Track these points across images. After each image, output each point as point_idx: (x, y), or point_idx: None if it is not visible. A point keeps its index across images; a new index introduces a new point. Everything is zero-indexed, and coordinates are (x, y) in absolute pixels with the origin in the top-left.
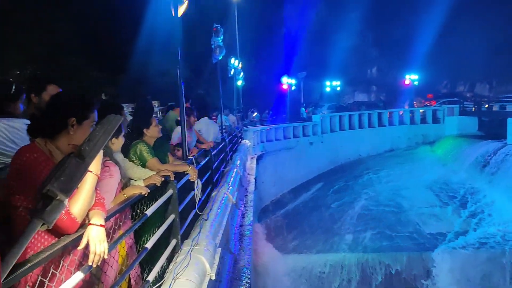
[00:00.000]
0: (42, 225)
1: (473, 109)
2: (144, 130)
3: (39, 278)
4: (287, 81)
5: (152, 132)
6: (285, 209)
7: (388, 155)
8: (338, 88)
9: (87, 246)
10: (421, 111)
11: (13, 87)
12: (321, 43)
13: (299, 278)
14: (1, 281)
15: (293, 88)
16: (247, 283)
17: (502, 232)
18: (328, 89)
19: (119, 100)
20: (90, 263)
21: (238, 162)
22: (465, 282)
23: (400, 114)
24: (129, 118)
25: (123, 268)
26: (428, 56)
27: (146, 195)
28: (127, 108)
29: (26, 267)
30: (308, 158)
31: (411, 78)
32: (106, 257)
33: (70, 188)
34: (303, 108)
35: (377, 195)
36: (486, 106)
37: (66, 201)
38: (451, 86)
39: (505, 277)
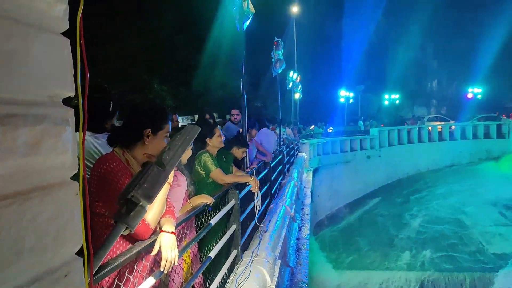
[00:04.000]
0: (125, 229)
1: None
2: (207, 140)
3: (115, 281)
4: (344, 94)
5: (215, 142)
6: (341, 224)
7: (449, 170)
8: (397, 102)
9: (158, 253)
10: (484, 125)
11: (111, 104)
12: (380, 56)
13: None
14: (92, 278)
15: (350, 101)
16: None
17: None
18: (386, 102)
19: (179, 112)
20: (161, 269)
21: (295, 174)
22: None
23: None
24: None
25: (188, 276)
26: (493, 69)
27: (211, 204)
28: (186, 120)
29: (107, 269)
30: (365, 172)
31: (474, 92)
32: (176, 263)
33: (152, 194)
34: (361, 121)
35: (437, 211)
36: None
37: (147, 207)
38: None
39: None
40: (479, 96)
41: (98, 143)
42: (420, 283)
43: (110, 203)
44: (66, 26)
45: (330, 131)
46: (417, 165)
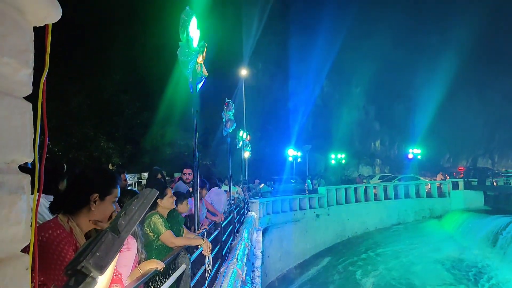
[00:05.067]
0: None
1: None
2: (158, 201)
3: None
4: (293, 153)
5: (166, 203)
6: (292, 286)
7: (396, 228)
8: (343, 161)
9: None
10: (427, 185)
11: (64, 164)
12: (326, 116)
13: None
14: None
15: (299, 160)
16: None
17: None
18: (333, 161)
19: (126, 169)
20: None
21: (246, 235)
22: None
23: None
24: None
25: None
26: (430, 130)
27: (161, 270)
28: (133, 178)
29: None
30: (315, 231)
31: (414, 152)
32: None
33: (105, 264)
34: (309, 180)
35: (387, 271)
36: (490, 180)
37: (98, 279)
38: (454, 160)
39: None
40: (419, 157)
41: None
42: None
43: (52, 275)
44: (29, 90)
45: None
46: (365, 223)
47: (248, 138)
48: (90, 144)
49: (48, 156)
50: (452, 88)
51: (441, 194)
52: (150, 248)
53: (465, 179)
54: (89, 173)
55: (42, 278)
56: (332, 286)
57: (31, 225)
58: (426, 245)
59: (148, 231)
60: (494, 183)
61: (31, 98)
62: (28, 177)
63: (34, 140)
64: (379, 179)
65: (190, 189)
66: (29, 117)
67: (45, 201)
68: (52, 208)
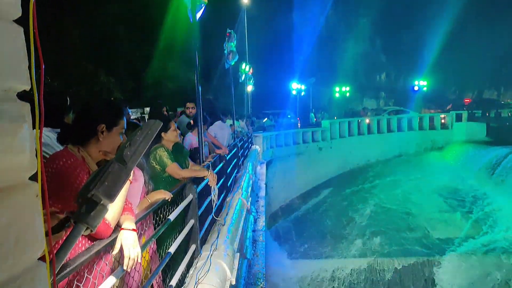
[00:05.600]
0: (85, 230)
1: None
2: (162, 134)
3: (75, 282)
4: (296, 87)
5: (170, 137)
6: (294, 215)
7: (397, 160)
8: (347, 94)
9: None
10: (429, 116)
11: (68, 98)
12: (331, 48)
13: (308, 282)
14: (55, 280)
15: (302, 93)
16: (262, 287)
17: (508, 238)
18: (337, 94)
19: (129, 104)
20: (124, 267)
21: (250, 167)
22: (466, 282)
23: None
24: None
25: (148, 272)
26: (437, 63)
27: (169, 200)
28: (136, 113)
29: (67, 270)
30: (317, 163)
31: (419, 85)
32: (140, 261)
33: (114, 193)
34: (312, 114)
35: (386, 200)
36: (494, 112)
37: (108, 206)
38: (460, 93)
39: (509, 285)
40: (424, 89)
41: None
42: (370, 269)
43: (67, 202)
44: (18, 12)
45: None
46: (366, 155)
47: (251, 71)
48: (90, 79)
49: (48, 90)
50: (461, 19)
51: (444, 126)
52: (157, 181)
53: (469, 111)
54: (96, 105)
55: (60, 206)
56: (333, 214)
57: (36, 155)
58: (426, 176)
59: (154, 164)
60: (498, 115)
61: (22, 24)
62: (27, 106)
63: (30, 68)
64: (388, 113)
65: (191, 121)
66: (21, 42)
67: (53, 134)
68: (61, 139)
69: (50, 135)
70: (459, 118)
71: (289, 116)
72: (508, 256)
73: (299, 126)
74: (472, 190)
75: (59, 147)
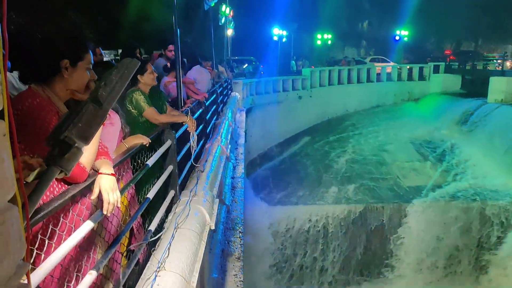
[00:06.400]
0: (59, 173)
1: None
2: (139, 77)
3: (50, 227)
4: (278, 32)
5: (147, 80)
6: (272, 162)
7: (375, 111)
8: (329, 42)
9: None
10: (408, 67)
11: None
12: None
13: (284, 228)
14: (29, 225)
15: (284, 40)
16: (240, 232)
17: (473, 187)
18: (319, 42)
19: (101, 45)
20: (104, 212)
21: (229, 114)
22: (432, 227)
23: (388, 71)
24: None
25: (127, 217)
26: (418, 11)
27: (147, 145)
28: (109, 55)
29: (41, 214)
30: (297, 112)
31: (401, 34)
32: (119, 205)
33: (88, 135)
34: (293, 62)
35: (362, 149)
36: (470, 64)
37: (83, 149)
38: (439, 44)
39: (471, 229)
40: (405, 39)
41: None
42: (344, 214)
43: (35, 144)
44: None
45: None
46: (346, 105)
47: (231, 14)
48: (59, 17)
49: (14, 28)
50: None
51: (421, 77)
52: (134, 126)
53: (446, 63)
54: (57, 38)
55: (29, 150)
56: (310, 162)
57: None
58: (401, 126)
59: (131, 108)
60: (473, 67)
61: None
62: None
63: None
64: (370, 61)
65: (168, 64)
66: None
67: (16, 74)
68: (23, 78)
69: (15, 75)
70: (436, 70)
71: (254, 63)
72: (470, 203)
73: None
74: (443, 141)
75: (22, 87)
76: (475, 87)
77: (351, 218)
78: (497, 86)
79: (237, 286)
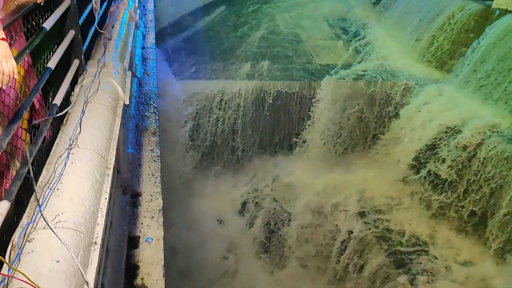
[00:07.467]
0: None
1: None
2: None
3: None
4: None
5: None
6: (185, 33)
7: None
8: None
9: None
10: None
11: None
12: None
13: (196, 102)
14: None
15: None
16: (154, 107)
17: (377, 66)
18: None
19: None
20: None
21: None
22: (339, 105)
23: None
24: None
25: (26, 90)
26: None
27: (42, 3)
28: None
29: None
30: None
31: None
32: (16, 76)
33: None
34: None
35: (278, 24)
36: None
37: None
38: None
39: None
40: None
41: None
42: (257, 90)
43: None
44: None
45: None
46: None
47: None
48: None
49: None
50: None
51: None
52: None
53: None
54: None
55: None
56: (224, 36)
57: None
58: (320, 2)
59: None
60: None
61: None
62: None
63: None
64: None
65: None
66: None
67: None
68: None
69: None
70: None
71: None
72: (368, 84)
73: None
74: (356, 20)
75: None
76: None
77: (264, 94)
78: None
79: (154, 161)
